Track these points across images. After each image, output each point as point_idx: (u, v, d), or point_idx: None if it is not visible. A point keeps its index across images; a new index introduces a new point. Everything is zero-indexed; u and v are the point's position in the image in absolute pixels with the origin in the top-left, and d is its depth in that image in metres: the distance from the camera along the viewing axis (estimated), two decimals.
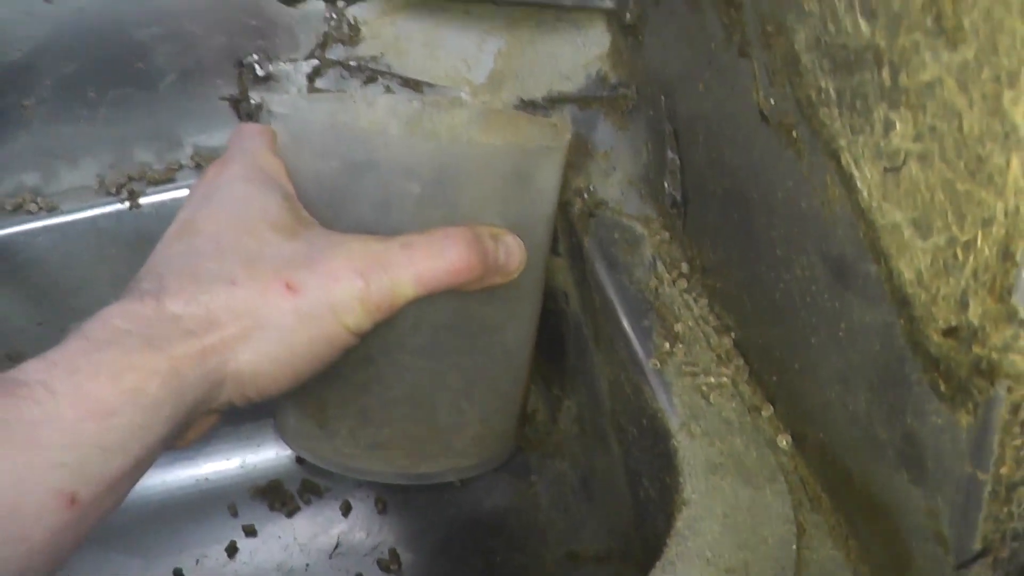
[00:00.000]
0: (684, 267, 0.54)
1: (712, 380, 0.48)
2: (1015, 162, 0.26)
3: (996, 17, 0.25)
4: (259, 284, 0.41)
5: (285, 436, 0.53)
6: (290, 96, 0.65)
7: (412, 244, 0.43)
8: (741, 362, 0.49)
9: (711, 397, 0.47)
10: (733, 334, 0.51)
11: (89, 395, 0.36)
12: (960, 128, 0.28)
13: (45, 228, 0.64)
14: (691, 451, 0.45)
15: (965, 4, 0.26)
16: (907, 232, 0.31)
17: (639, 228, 0.58)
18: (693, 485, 0.44)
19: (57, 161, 0.66)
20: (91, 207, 0.65)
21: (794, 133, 0.38)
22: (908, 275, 0.31)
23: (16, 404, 0.35)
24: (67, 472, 0.35)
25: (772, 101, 0.40)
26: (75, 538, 0.36)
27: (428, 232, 0.44)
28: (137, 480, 0.39)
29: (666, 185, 0.54)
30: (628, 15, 0.55)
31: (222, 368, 0.40)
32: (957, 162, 0.28)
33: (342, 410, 0.49)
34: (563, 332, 0.70)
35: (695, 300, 0.53)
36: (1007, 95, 0.26)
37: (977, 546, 0.32)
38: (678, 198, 0.54)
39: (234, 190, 0.45)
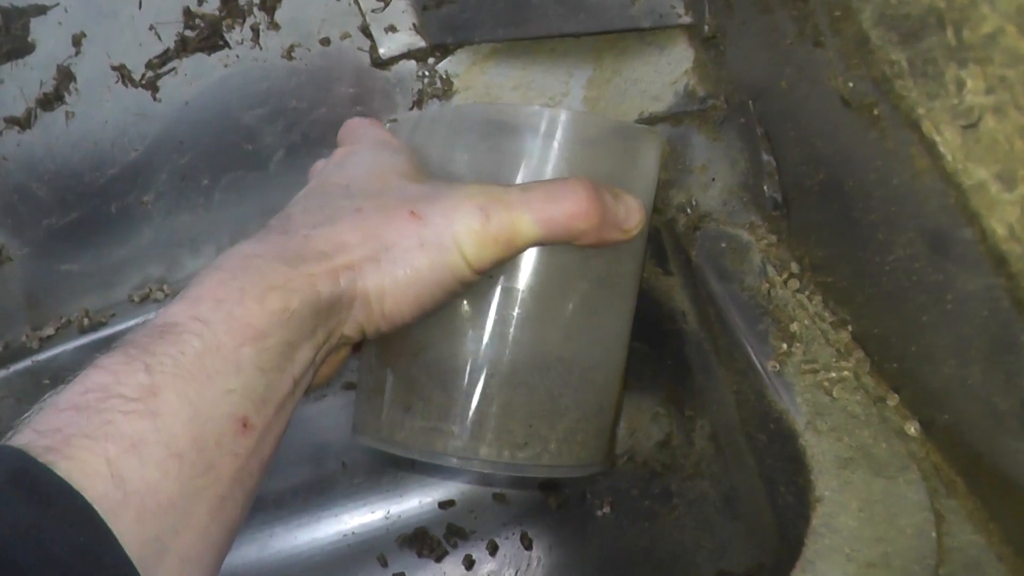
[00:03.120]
0: (794, 267, 0.54)
1: (834, 375, 0.47)
2: None
3: None
4: (386, 212, 0.42)
5: (363, 428, 0.51)
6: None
7: (531, 188, 0.44)
8: (861, 354, 0.48)
9: (834, 392, 0.46)
10: (850, 327, 0.49)
11: (241, 320, 0.37)
12: None
13: None
14: (819, 448, 0.44)
15: None
16: (993, 188, 0.30)
17: (745, 235, 0.57)
18: (825, 482, 0.43)
19: (180, 250, 0.69)
20: None
21: (876, 112, 0.38)
22: (1000, 231, 0.31)
23: (177, 340, 0.36)
24: (236, 397, 0.36)
25: (851, 84, 0.39)
26: (259, 465, 0.38)
27: (548, 180, 0.45)
28: (298, 401, 0.40)
29: (765, 189, 0.54)
30: (706, 28, 0.56)
31: (352, 288, 0.41)
32: None
33: (430, 386, 0.48)
34: (687, 352, 0.69)
35: (809, 299, 0.52)
36: None
37: None
38: (779, 199, 0.54)
39: (364, 156, 0.48)
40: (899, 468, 0.42)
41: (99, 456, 0.32)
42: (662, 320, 0.70)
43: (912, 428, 0.44)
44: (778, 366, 0.49)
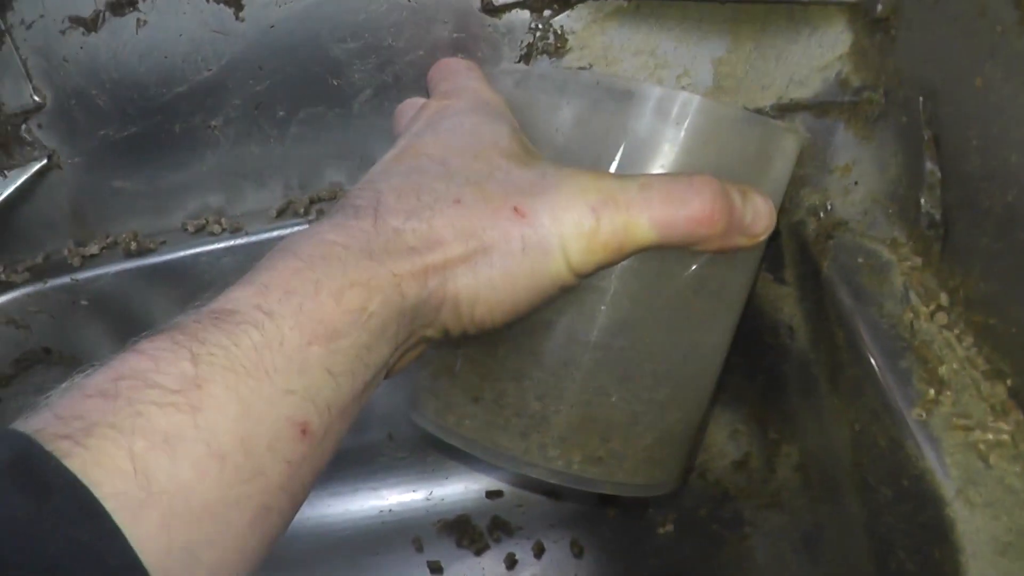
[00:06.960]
0: (943, 299, 0.46)
1: (990, 437, 0.40)
2: None
3: None
4: (488, 206, 0.38)
5: (424, 410, 0.47)
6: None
7: (651, 185, 0.39)
8: (1021, 416, 0.41)
9: (990, 458, 0.39)
10: (1009, 382, 0.42)
11: (312, 317, 0.33)
12: None
13: (229, 249, 0.63)
14: (973, 525, 0.37)
15: None
16: None
17: (886, 253, 0.50)
18: (979, 568, 0.36)
19: (244, 182, 0.64)
20: (277, 228, 0.63)
21: None
22: None
23: (233, 330, 0.31)
24: (297, 399, 0.32)
25: None
26: (312, 471, 0.34)
27: (670, 175, 0.40)
28: (363, 404, 0.36)
29: (922, 202, 0.46)
30: (879, 7, 0.48)
31: (442, 290, 0.37)
32: None
33: (504, 381, 0.44)
34: (784, 370, 0.62)
35: (958, 339, 0.44)
36: None
37: None
38: (937, 217, 0.46)
39: (462, 120, 0.43)
40: None
41: (123, 449, 0.27)
42: (762, 331, 0.63)
43: None
44: (924, 415, 0.41)
